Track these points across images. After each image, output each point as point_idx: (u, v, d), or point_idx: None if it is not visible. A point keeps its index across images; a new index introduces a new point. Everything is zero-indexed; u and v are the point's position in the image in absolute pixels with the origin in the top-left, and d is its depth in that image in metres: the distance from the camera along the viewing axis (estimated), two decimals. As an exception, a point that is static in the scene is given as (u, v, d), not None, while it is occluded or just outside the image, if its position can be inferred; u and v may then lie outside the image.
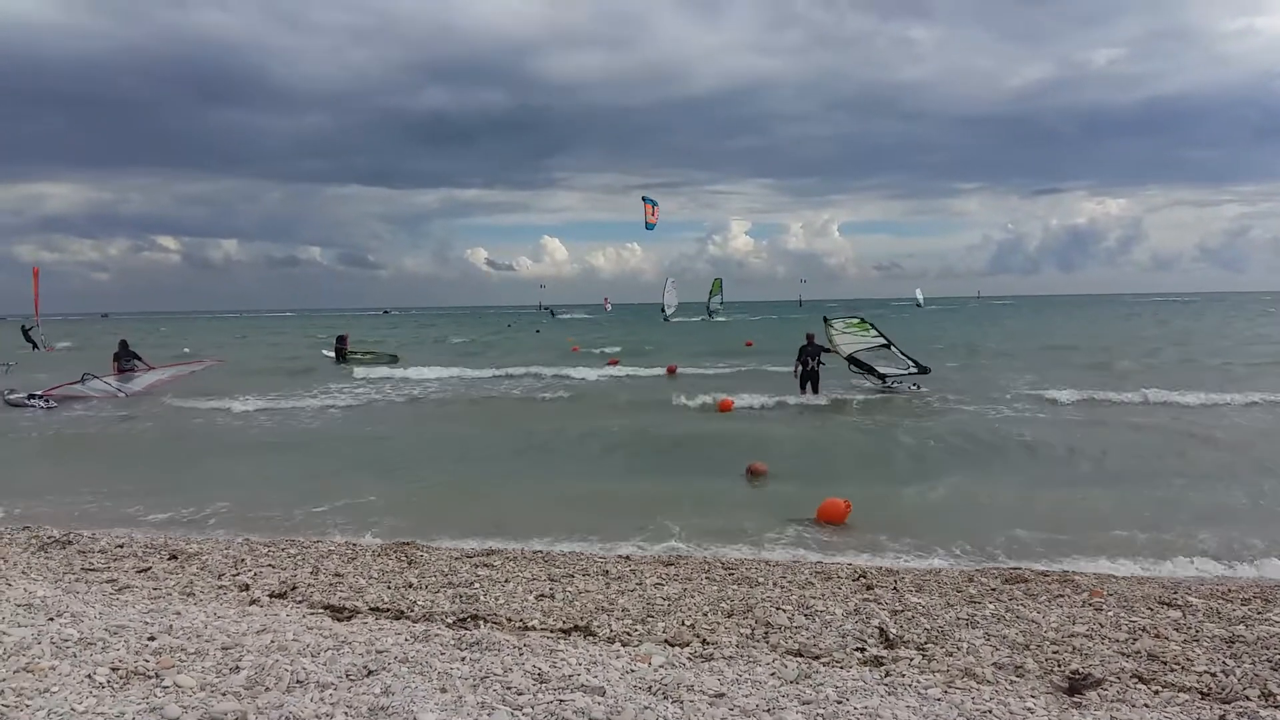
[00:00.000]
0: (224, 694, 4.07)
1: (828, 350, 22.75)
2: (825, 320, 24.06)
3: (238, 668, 4.47)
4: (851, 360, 23.30)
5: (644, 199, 46.26)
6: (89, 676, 4.17)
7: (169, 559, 8.24)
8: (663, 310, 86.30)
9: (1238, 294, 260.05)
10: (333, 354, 39.66)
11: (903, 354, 23.62)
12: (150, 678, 4.24)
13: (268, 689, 4.18)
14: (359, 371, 31.73)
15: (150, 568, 7.87)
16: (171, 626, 5.33)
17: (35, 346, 45.35)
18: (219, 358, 33.15)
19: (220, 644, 4.93)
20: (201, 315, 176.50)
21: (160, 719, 3.66)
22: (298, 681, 4.31)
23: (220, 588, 7.20)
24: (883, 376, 23.28)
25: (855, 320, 24.07)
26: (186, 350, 45.25)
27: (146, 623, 5.40)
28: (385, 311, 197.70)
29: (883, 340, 23.46)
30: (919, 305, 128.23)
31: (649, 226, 44.88)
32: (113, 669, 4.30)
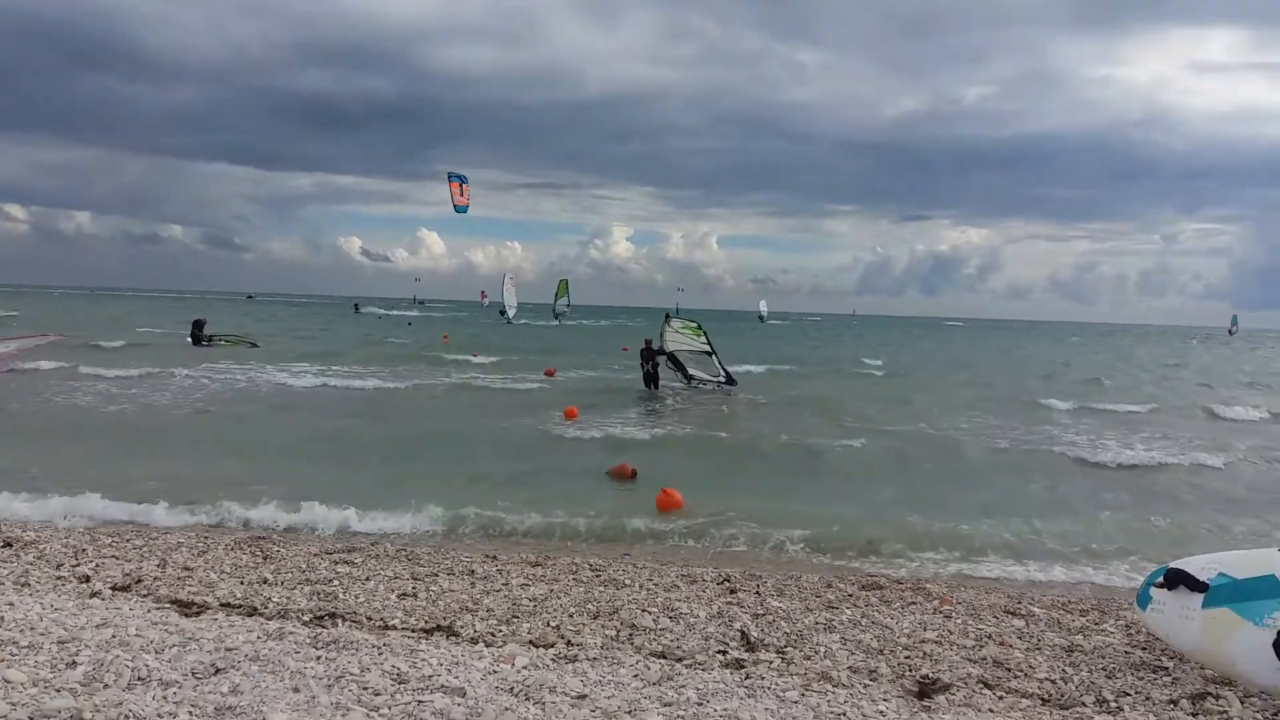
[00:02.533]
0: (58, 690, 3.84)
1: (662, 353, 24.89)
2: (666, 317, 26.26)
3: (74, 663, 4.23)
4: (669, 356, 25.19)
5: (450, 175, 39.35)
6: (-96, 671, 3.87)
7: (2, 546, 7.74)
8: (502, 311, 76.62)
9: (1086, 324, 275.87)
10: (189, 338, 38.21)
11: (720, 365, 25.79)
12: (-25, 673, 3.96)
13: (106, 685, 3.96)
14: (218, 357, 30.61)
15: (-20, 556, 7.37)
16: (3, 618, 5.01)
17: None
18: (59, 333, 32.00)
19: (56, 637, 4.65)
20: (53, 290, 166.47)
21: (-16, 717, 3.42)
22: (139, 678, 4.10)
23: (59, 579, 6.79)
24: (690, 377, 25.34)
25: (693, 325, 26.13)
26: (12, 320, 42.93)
27: (-27, 615, 5.05)
28: (250, 296, 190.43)
29: (708, 349, 25.72)
30: (761, 319, 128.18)
31: (458, 209, 37.99)
32: (-68, 663, 4.00)
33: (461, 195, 38.25)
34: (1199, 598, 5.35)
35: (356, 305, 60.86)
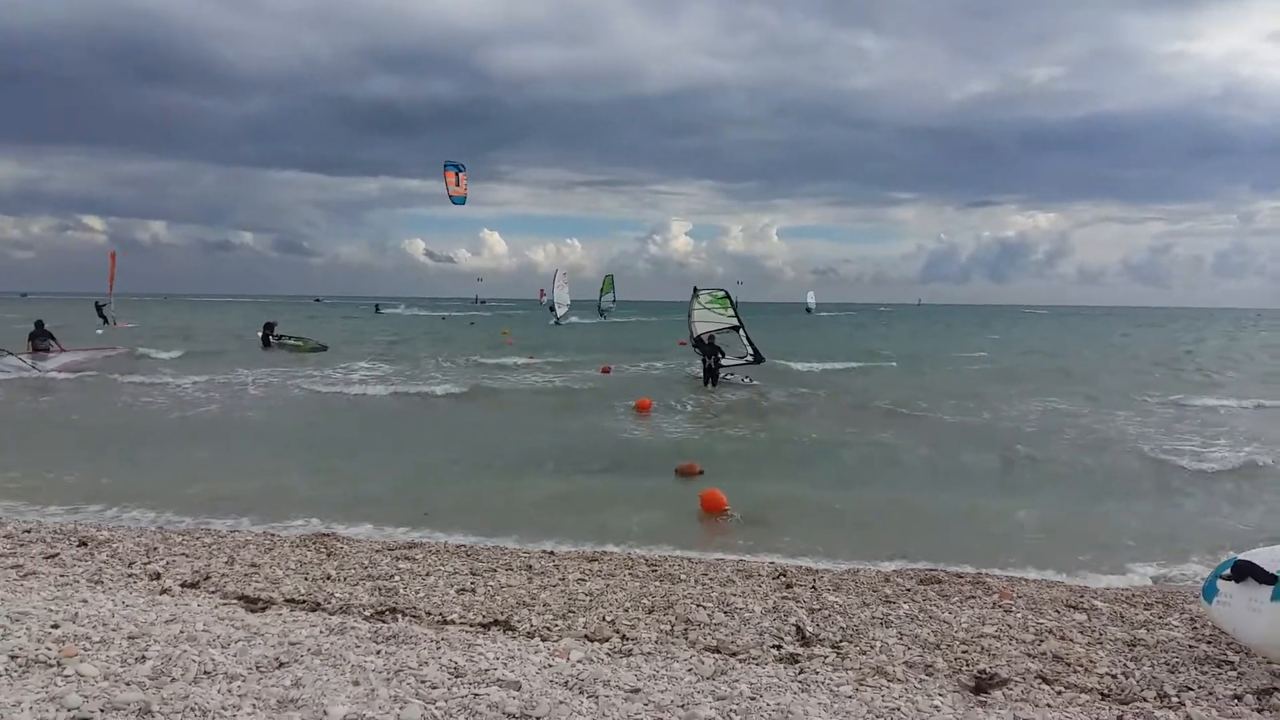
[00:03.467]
0: (128, 684, 3.98)
1: (698, 345, 24.65)
2: (694, 290, 25.64)
3: (144, 657, 4.38)
4: (698, 343, 24.74)
5: (446, 165, 36.28)
6: (-14, 665, 4.04)
7: (78, 545, 8.01)
8: (551, 309, 70.81)
9: (1167, 309, 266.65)
10: (261, 340, 39.03)
11: (747, 339, 24.97)
12: (51, 666, 4.13)
13: (174, 679, 4.10)
14: (289, 361, 31.26)
15: (58, 554, 7.63)
16: (77, 614, 5.20)
17: (106, 321, 50.85)
18: (128, 346, 33.47)
19: (127, 633, 4.81)
20: (132, 297, 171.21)
21: (60, 709, 3.56)
22: (205, 672, 4.23)
23: (130, 576, 7.01)
24: (718, 369, 24.29)
25: (721, 294, 25.50)
26: (99, 332, 44.33)
27: (51, 610, 5.24)
28: (317, 299, 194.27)
29: (735, 322, 24.99)
30: (809, 310, 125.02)
31: (455, 199, 34.93)
32: (11, 657, 4.17)
33: (458, 185, 35.50)
34: (1268, 590, 5.22)
35: (377, 306, 61.43)
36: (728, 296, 25.60)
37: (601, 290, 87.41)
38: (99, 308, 54.06)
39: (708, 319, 25.08)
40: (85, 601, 5.70)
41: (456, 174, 36.02)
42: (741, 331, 25.06)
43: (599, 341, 47.75)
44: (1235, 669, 5.35)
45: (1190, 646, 5.82)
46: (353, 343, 44.02)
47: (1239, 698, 4.85)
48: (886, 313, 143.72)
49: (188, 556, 7.78)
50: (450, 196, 35.29)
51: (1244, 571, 5.38)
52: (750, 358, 24.95)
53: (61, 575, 6.84)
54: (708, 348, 24.36)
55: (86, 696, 3.73)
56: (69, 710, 3.54)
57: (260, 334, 39.40)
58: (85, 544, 8.08)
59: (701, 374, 24.62)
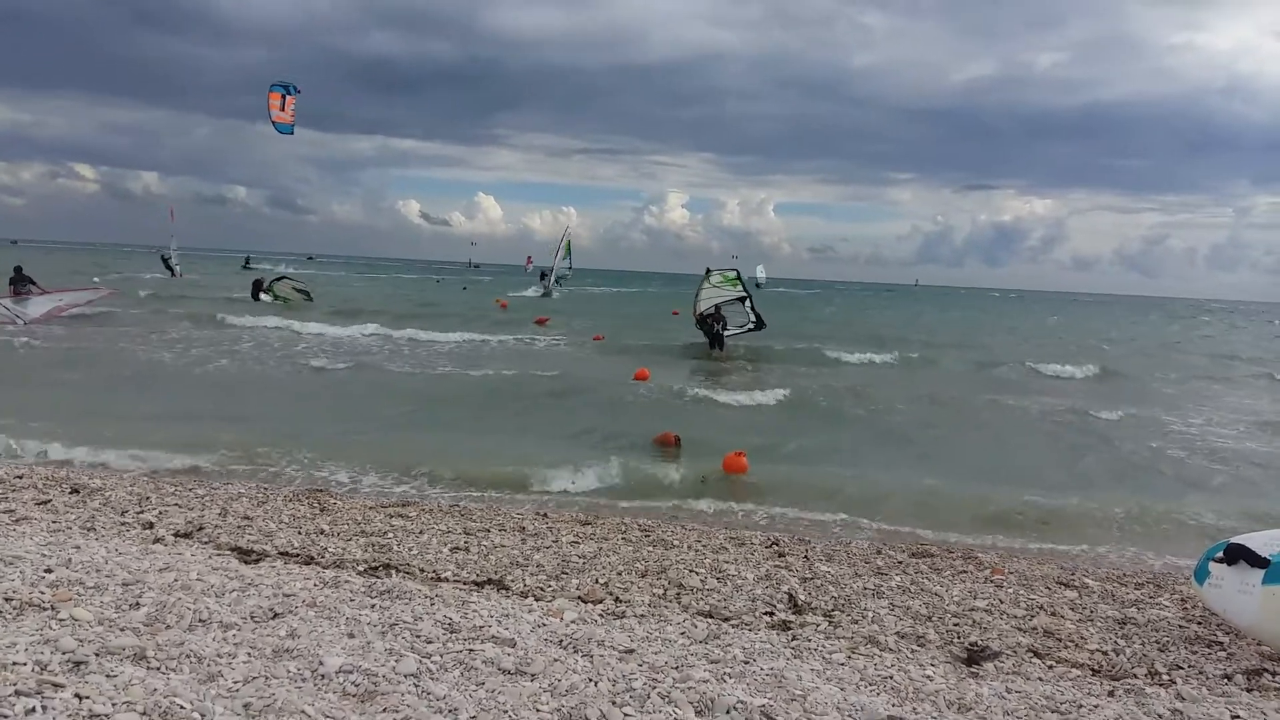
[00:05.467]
0: (122, 629, 3.96)
1: (704, 320, 25.35)
2: (707, 271, 26.18)
3: (138, 604, 4.36)
4: (700, 321, 25.50)
5: (273, 86, 28.34)
6: (-21, 606, 4.01)
7: (70, 493, 7.99)
8: (541, 277, 62.52)
9: (1157, 299, 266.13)
10: (250, 296, 39.03)
11: (753, 309, 25.76)
12: (45, 609, 4.10)
13: (168, 626, 4.08)
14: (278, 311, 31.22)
15: (50, 500, 7.61)
16: (70, 560, 5.17)
17: (172, 273, 53.47)
18: (113, 287, 33.62)
19: (121, 580, 4.79)
20: (124, 248, 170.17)
21: (55, 650, 3.54)
22: (200, 620, 4.21)
23: (123, 524, 6.99)
24: (721, 340, 25.17)
25: (732, 275, 26.15)
26: (96, 280, 44.23)
27: (44, 555, 5.21)
28: (310, 257, 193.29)
29: (743, 294, 25.82)
30: (758, 285, 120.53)
31: (279, 127, 26.92)
32: (5, 599, 4.14)
33: (283, 110, 28.18)
34: (1259, 574, 5.25)
35: (248, 259, 60.47)
36: (738, 275, 26.28)
37: (559, 255, 70.86)
38: (165, 260, 56.18)
39: (713, 296, 25.73)
40: (78, 548, 5.67)
41: (283, 96, 28.79)
42: (747, 302, 25.78)
43: (587, 308, 47.69)
44: (1225, 649, 5.39)
45: (1181, 626, 5.86)
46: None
47: (1229, 677, 4.88)
48: (890, 294, 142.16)
49: (180, 507, 7.77)
50: (274, 124, 28.19)
51: (1236, 554, 5.41)
52: (752, 325, 25.68)
53: (54, 521, 6.82)
54: (712, 318, 25.23)
55: (81, 640, 3.71)
56: (64, 653, 3.52)
57: (250, 292, 39.36)
58: (77, 491, 8.06)
59: (709, 345, 25.36)
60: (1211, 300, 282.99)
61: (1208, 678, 4.89)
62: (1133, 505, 10.01)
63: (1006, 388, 21.70)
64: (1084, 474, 12.39)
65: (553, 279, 60.21)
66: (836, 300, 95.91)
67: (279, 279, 41.72)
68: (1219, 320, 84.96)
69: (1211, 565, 5.57)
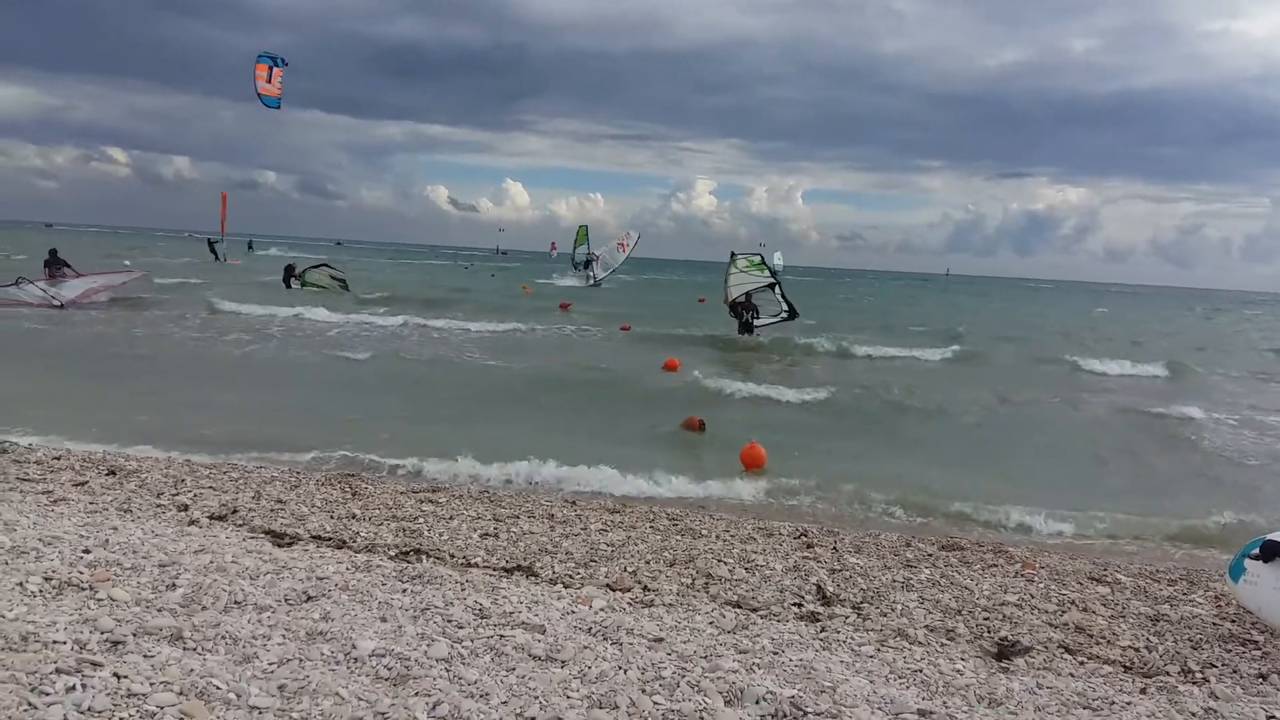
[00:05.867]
0: (159, 610, 4.03)
1: (734, 307, 25.44)
2: (731, 255, 26.09)
3: (174, 585, 4.42)
4: (733, 307, 25.48)
5: (259, 57, 27.85)
6: (20, 585, 4.08)
7: (107, 474, 8.10)
8: (586, 265, 60.32)
9: (1193, 290, 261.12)
10: (283, 282, 39.16)
11: (782, 296, 25.55)
12: (84, 589, 4.17)
13: (204, 608, 4.14)
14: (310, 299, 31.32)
15: (87, 482, 7.71)
16: (108, 541, 5.25)
17: (218, 258, 53.81)
18: (145, 269, 34.27)
19: (157, 561, 4.86)
20: (157, 233, 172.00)
21: (93, 630, 3.60)
22: (235, 602, 4.28)
23: (159, 506, 7.08)
24: (751, 326, 25.42)
25: (756, 259, 26.06)
26: (127, 263, 44.80)
27: (82, 535, 5.30)
28: (338, 243, 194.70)
29: (771, 280, 25.72)
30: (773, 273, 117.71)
31: (265, 100, 26.69)
32: (45, 579, 4.22)
33: (270, 82, 27.01)
34: (1296, 571, 5.19)
35: (210, 241, 60.82)
36: (762, 260, 26.22)
37: (575, 242, 69.25)
38: (212, 245, 56.64)
39: (743, 281, 25.61)
40: (115, 529, 5.76)
41: (270, 68, 27.74)
42: (777, 289, 25.63)
43: (612, 296, 47.55)
44: (1260, 648, 5.32)
45: (1214, 624, 5.79)
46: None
47: (1264, 677, 4.82)
48: (922, 284, 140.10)
49: (214, 490, 7.86)
50: (259, 96, 26.78)
51: (1273, 551, 5.34)
52: (785, 314, 25.56)
53: (91, 503, 6.92)
54: (744, 306, 25.30)
55: (119, 620, 3.78)
56: (103, 633, 3.58)
57: (283, 277, 39.45)
58: (114, 473, 8.17)
59: (738, 329, 25.59)
60: (1250, 291, 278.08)
61: (1242, 676, 4.83)
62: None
63: (1070, 385, 21.19)
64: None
65: (599, 270, 58.16)
66: (862, 288, 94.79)
67: (316, 266, 41.36)
68: (1269, 312, 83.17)
69: (1247, 562, 5.50)
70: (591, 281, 57.36)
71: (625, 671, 3.89)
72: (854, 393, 17.52)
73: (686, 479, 9.87)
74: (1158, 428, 15.71)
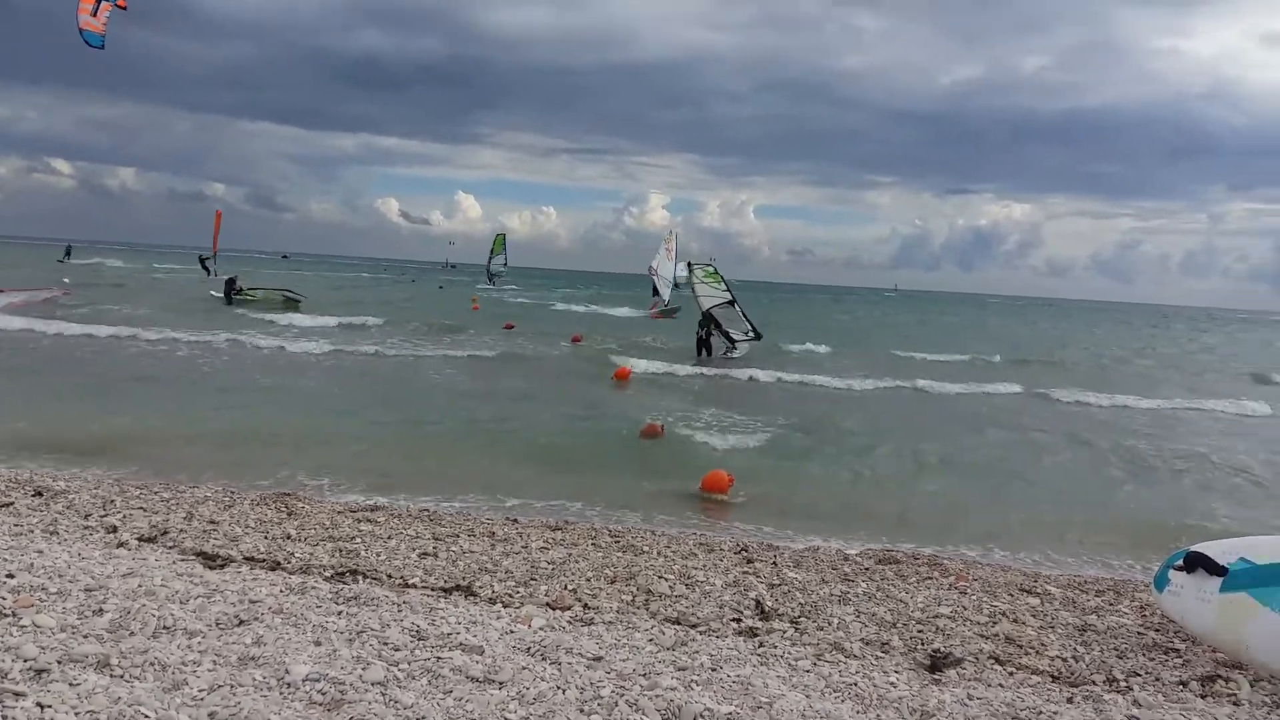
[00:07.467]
0: (86, 636, 3.93)
1: (705, 322, 25.06)
2: (689, 265, 26.20)
3: (101, 610, 4.32)
4: (709, 319, 25.13)
5: None
6: (-61, 612, 3.97)
7: (33, 495, 7.89)
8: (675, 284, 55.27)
9: (1128, 305, 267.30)
10: (222, 295, 38.44)
11: (744, 315, 25.77)
12: (7, 615, 4.06)
13: (132, 633, 4.05)
14: (251, 320, 30.77)
15: (12, 503, 7.51)
16: (33, 565, 5.11)
17: (209, 274, 51.04)
18: (67, 288, 33.78)
19: (84, 585, 4.74)
20: (98, 245, 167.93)
21: (16, 658, 3.51)
22: (164, 627, 4.19)
23: (87, 528, 6.92)
24: (733, 343, 25.30)
25: (710, 269, 25.84)
26: (66, 280, 43.75)
27: (5, 559, 5.15)
28: (285, 256, 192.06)
29: (729, 297, 25.55)
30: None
31: (87, 37, 17.47)
32: (-35, 605, 4.10)
33: (94, 16, 23.82)
34: (1217, 582, 5.35)
35: (69, 249, 60.02)
36: (716, 270, 26.05)
37: (492, 251, 70.27)
38: (203, 261, 55.63)
39: (709, 294, 25.45)
40: (41, 552, 5.60)
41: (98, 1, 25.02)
42: (737, 306, 25.73)
43: (561, 315, 47.41)
44: (1181, 656, 5.48)
45: (1139, 633, 5.95)
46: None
47: (1184, 684, 4.97)
48: (869, 299, 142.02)
49: (145, 511, 7.69)
50: (80, 31, 25.40)
51: (1195, 563, 5.50)
52: (752, 335, 25.73)
53: (16, 524, 6.73)
54: (713, 323, 25.16)
55: (44, 648, 3.68)
56: (25, 661, 3.49)
57: (224, 292, 38.70)
58: (41, 494, 7.96)
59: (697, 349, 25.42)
60: (1184, 306, 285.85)
61: (1164, 684, 4.97)
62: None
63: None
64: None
65: (663, 290, 53.77)
66: (812, 304, 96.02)
67: (272, 289, 41.08)
68: (1217, 329, 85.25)
69: (1171, 573, 5.66)
70: (664, 306, 44.14)
71: (564, 692, 3.89)
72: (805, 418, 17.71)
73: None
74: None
